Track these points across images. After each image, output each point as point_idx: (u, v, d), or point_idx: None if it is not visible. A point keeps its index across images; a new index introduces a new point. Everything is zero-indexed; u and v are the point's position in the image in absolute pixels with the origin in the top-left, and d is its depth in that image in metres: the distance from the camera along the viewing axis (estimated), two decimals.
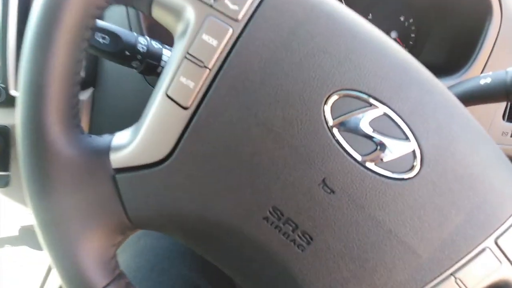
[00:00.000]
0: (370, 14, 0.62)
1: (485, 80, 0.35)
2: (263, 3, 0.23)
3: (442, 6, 0.57)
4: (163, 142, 0.24)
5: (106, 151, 0.24)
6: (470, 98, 0.35)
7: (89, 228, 0.24)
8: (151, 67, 0.38)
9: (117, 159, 0.24)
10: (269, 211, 0.23)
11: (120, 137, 0.25)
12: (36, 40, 0.22)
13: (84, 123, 0.49)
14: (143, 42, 0.37)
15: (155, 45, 0.39)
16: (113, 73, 0.48)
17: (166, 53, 0.39)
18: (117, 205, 0.24)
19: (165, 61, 0.39)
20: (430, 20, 0.60)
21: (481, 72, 0.50)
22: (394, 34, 0.63)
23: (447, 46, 0.58)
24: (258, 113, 0.23)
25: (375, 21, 0.64)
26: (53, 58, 0.22)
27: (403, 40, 0.63)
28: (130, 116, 0.47)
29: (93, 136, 0.25)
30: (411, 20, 0.62)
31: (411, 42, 0.63)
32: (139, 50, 0.37)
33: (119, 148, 0.24)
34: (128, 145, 0.24)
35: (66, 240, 0.23)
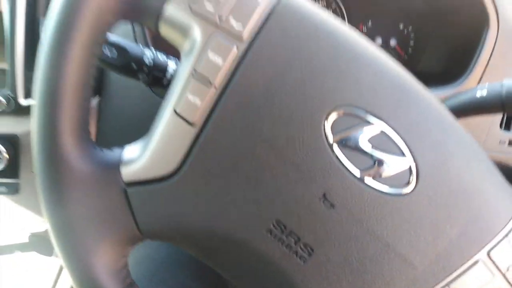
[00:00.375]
0: (370, 22, 0.63)
1: (481, 92, 0.36)
2: (268, 23, 0.24)
3: (441, 15, 0.58)
4: (172, 157, 0.25)
5: (117, 165, 0.25)
6: (466, 110, 0.36)
7: (101, 239, 0.25)
8: (156, 79, 0.39)
9: (128, 173, 0.25)
10: (273, 224, 0.24)
11: (130, 151, 0.26)
12: (51, 58, 0.23)
13: (90, 131, 0.49)
14: (149, 55, 0.38)
15: (161, 57, 0.40)
16: (119, 81, 0.49)
17: (170, 64, 0.40)
18: (128, 218, 0.25)
19: (170, 73, 0.40)
20: (429, 28, 0.61)
21: (479, 82, 0.51)
22: (393, 41, 0.63)
23: (445, 55, 0.59)
24: (262, 131, 0.24)
25: (374, 29, 0.66)
26: (68, 75, 0.23)
27: (402, 47, 0.64)
28: (136, 124, 0.48)
29: (104, 150, 0.26)
30: (410, 28, 0.63)
31: (410, 50, 0.64)
32: (145, 63, 0.38)
33: (130, 162, 0.25)
34: (138, 159, 0.25)
35: (80, 251, 0.24)
